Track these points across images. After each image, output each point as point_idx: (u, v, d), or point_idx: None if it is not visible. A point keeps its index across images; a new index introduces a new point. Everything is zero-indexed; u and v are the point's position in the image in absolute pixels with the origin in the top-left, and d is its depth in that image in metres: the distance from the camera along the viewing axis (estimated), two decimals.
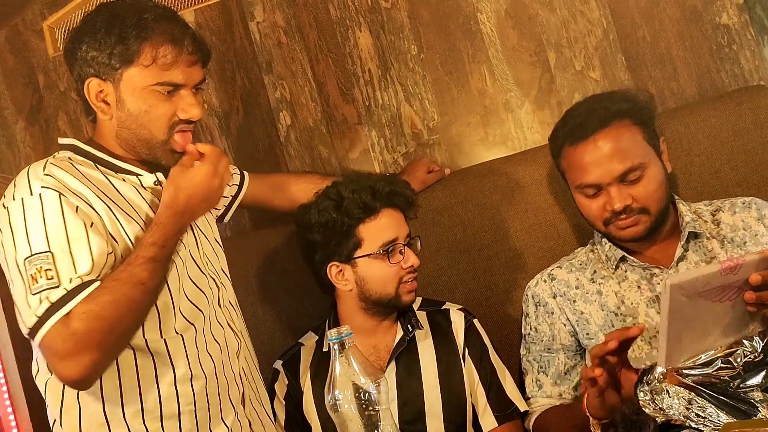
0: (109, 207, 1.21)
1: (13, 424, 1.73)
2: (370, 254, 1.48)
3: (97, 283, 1.14)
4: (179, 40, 1.24)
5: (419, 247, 1.56)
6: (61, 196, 1.16)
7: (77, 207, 1.17)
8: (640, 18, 1.86)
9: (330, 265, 1.52)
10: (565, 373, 1.49)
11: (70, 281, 1.12)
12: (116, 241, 1.20)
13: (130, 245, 1.21)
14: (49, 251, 1.13)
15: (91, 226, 1.17)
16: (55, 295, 1.11)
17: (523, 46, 1.91)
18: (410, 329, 1.55)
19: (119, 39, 1.21)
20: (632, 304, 1.42)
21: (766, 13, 1.84)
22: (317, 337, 1.62)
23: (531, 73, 1.90)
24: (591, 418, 1.22)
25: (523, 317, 1.58)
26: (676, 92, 1.85)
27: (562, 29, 1.89)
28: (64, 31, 2.06)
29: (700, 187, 1.67)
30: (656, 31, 1.85)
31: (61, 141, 1.31)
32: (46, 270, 1.12)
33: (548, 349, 1.50)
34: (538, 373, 1.52)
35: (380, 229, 1.49)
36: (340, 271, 1.52)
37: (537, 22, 1.90)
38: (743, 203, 1.47)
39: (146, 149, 1.28)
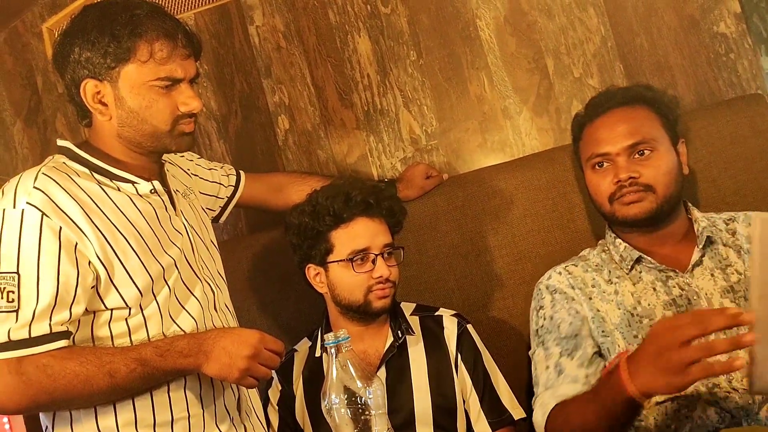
0: (98, 228, 1.19)
1: (7, 427, 1.73)
2: (339, 261, 1.50)
3: (64, 342, 1.13)
4: (173, 34, 1.23)
5: (401, 257, 1.56)
6: (44, 216, 1.15)
7: (60, 227, 1.15)
8: (638, 26, 1.87)
9: (308, 266, 1.55)
10: (593, 356, 1.38)
11: (33, 315, 1.11)
12: (104, 265, 1.18)
13: (122, 267, 1.20)
14: (17, 272, 1.12)
15: (76, 247, 1.16)
16: (18, 334, 1.11)
17: (522, 52, 1.91)
18: (400, 335, 1.54)
19: (113, 37, 1.20)
20: (648, 305, 1.39)
21: (763, 23, 1.85)
22: (310, 343, 1.62)
23: (529, 80, 1.91)
24: (641, 396, 1.06)
25: (535, 312, 1.50)
26: None
27: (560, 36, 1.89)
28: None
29: (698, 195, 1.67)
30: (654, 39, 1.86)
31: (59, 143, 1.30)
32: (9, 292, 1.11)
33: (575, 335, 1.39)
34: (561, 356, 1.37)
35: (351, 237, 1.50)
36: (318, 273, 1.55)
37: (536, 29, 1.90)
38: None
39: (151, 142, 1.27)
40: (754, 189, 1.66)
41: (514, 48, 1.91)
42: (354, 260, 1.49)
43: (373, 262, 1.50)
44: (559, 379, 1.35)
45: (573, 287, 1.46)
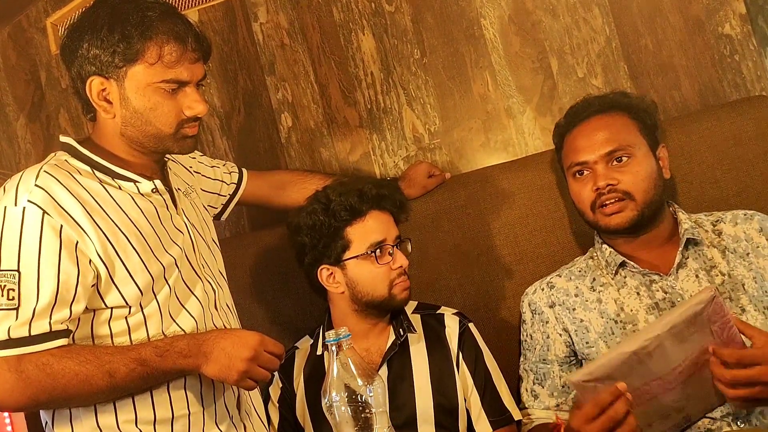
0: (99, 226, 1.18)
1: (8, 421, 1.73)
2: (359, 256, 1.49)
3: (63, 341, 1.13)
4: (183, 37, 1.22)
5: (409, 248, 1.57)
6: (45, 214, 1.14)
7: (61, 226, 1.15)
8: (643, 26, 1.86)
9: (321, 268, 1.53)
10: (562, 387, 1.48)
11: (33, 313, 1.11)
12: (105, 263, 1.18)
13: (123, 265, 1.20)
14: (18, 270, 1.12)
15: (76, 245, 1.15)
16: (18, 332, 1.11)
17: (526, 52, 1.91)
18: (402, 333, 1.54)
19: (123, 37, 1.19)
20: (631, 311, 1.42)
21: None
22: (312, 341, 1.62)
23: (533, 80, 1.91)
24: None
25: (521, 323, 1.58)
26: (677, 101, 1.85)
27: (565, 36, 1.89)
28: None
29: (700, 197, 1.66)
30: (659, 40, 1.86)
31: (62, 139, 1.30)
32: (9, 290, 1.11)
33: (543, 359, 1.50)
34: (534, 384, 1.51)
35: (367, 231, 1.50)
36: (331, 274, 1.53)
37: (540, 28, 1.90)
38: (744, 215, 1.48)
39: (154, 143, 1.27)
40: (757, 191, 1.65)
41: (518, 47, 1.91)
42: (375, 253, 1.49)
43: (390, 254, 1.50)
44: (536, 403, 1.51)
45: (554, 305, 1.50)
